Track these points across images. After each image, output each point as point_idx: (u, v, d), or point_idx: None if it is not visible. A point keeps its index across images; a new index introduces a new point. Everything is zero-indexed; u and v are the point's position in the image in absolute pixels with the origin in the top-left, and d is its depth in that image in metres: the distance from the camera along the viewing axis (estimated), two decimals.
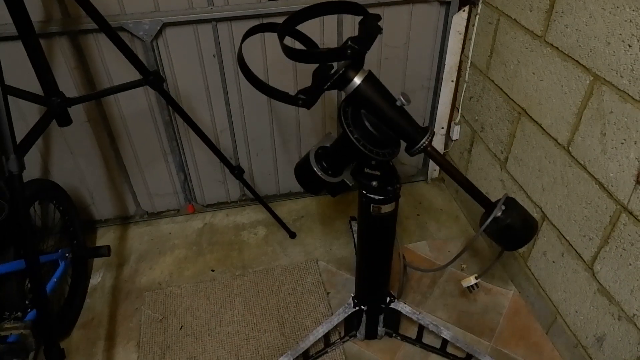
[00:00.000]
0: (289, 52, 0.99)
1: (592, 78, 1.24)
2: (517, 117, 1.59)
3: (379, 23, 1.03)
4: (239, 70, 1.07)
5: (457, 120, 2.03)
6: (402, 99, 1.05)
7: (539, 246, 1.59)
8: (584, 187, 1.34)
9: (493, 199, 1.16)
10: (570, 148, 1.37)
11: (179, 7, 1.57)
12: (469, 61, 1.85)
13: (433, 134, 1.09)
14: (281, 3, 1.60)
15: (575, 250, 1.41)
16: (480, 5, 1.70)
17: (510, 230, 1.14)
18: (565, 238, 1.45)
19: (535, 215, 1.57)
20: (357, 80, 1.03)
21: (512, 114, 1.61)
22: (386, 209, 1.22)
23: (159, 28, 1.57)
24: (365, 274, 1.44)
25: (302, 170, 1.28)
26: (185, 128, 1.86)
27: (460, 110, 2.00)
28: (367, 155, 1.09)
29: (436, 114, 2.07)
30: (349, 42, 0.95)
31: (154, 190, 2.04)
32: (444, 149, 2.20)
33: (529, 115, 1.53)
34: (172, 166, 1.97)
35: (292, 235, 2.01)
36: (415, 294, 1.77)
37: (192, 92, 1.78)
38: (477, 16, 1.73)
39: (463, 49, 1.88)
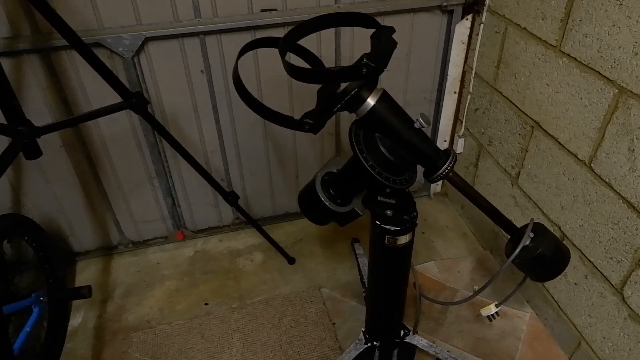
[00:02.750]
0: (294, 71, 0.87)
1: (617, 91, 1.14)
2: (530, 131, 1.49)
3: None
4: (236, 91, 0.94)
5: (460, 133, 1.93)
6: (421, 120, 0.94)
7: None
8: (610, 206, 1.24)
9: None
10: (592, 165, 1.27)
11: (163, 20, 1.44)
12: (473, 72, 1.75)
13: (455, 158, 0.98)
14: (275, 14, 1.49)
15: (601, 272, 1.31)
16: (485, 14, 1.61)
17: (541, 260, 1.04)
18: (588, 259, 1.35)
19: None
20: (372, 101, 0.91)
21: (524, 127, 1.52)
22: (402, 240, 1.10)
23: (140, 43, 1.43)
24: (377, 308, 1.31)
25: (307, 199, 1.15)
26: (173, 149, 1.72)
27: (464, 122, 1.90)
28: (383, 183, 0.97)
29: (439, 127, 1.97)
30: (365, 60, 0.84)
31: (140, 217, 1.89)
32: None
33: (543, 129, 1.43)
34: (158, 191, 1.83)
35: (291, 260, 1.88)
36: (427, 321, 1.65)
37: (179, 111, 1.65)
38: (482, 25, 1.64)
39: (466, 59, 1.78)
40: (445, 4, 1.59)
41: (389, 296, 1.26)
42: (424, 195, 2.21)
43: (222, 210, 1.98)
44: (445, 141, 2.02)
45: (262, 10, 1.49)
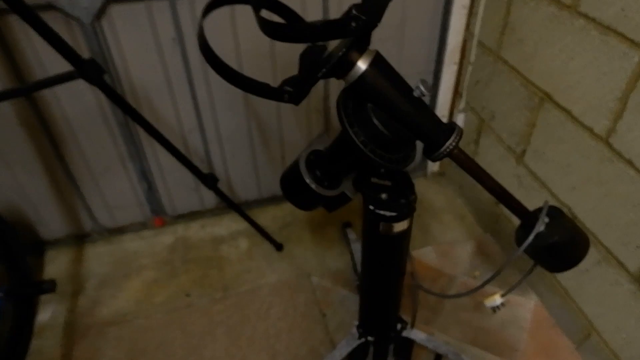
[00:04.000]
0: (269, 27, 0.72)
1: None
2: (539, 104, 1.35)
3: None
4: (203, 56, 0.79)
5: (460, 108, 1.78)
6: (421, 87, 0.79)
7: None
8: (629, 186, 1.11)
9: None
10: (610, 140, 1.14)
11: None
12: (475, 39, 1.60)
13: (461, 133, 0.84)
14: None
15: (617, 258, 1.19)
16: None
17: (557, 249, 0.91)
18: (602, 244, 1.23)
19: None
20: (362, 65, 0.77)
21: (532, 99, 1.38)
22: (399, 227, 0.96)
23: (100, 5, 1.26)
24: (372, 301, 1.19)
25: (290, 182, 1.01)
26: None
27: (464, 96, 1.75)
28: (377, 162, 0.83)
29: (437, 102, 1.82)
30: (354, 12, 0.68)
31: (113, 202, 1.74)
32: None
33: (554, 101, 1.29)
34: (132, 174, 1.68)
35: (279, 247, 1.75)
36: (423, 310, 1.53)
37: (150, 86, 1.49)
38: None
39: (468, 25, 1.63)
40: None
41: (385, 289, 1.13)
42: (419, 175, 2.08)
43: (204, 194, 1.83)
44: (443, 117, 1.88)
45: None
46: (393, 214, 0.94)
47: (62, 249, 1.77)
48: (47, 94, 1.40)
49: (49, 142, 1.51)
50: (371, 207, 0.94)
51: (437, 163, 2.07)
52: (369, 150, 0.82)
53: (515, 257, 0.94)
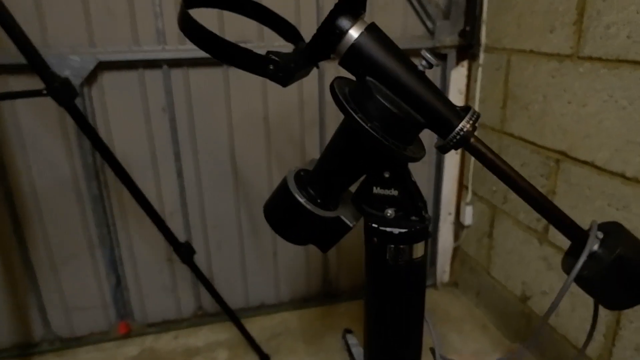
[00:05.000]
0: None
1: None
2: (555, 167, 1.23)
3: None
4: (180, 30, 0.70)
5: (468, 200, 1.65)
6: (427, 56, 0.69)
7: (625, 335, 1.09)
8: None
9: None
10: None
11: (121, 41, 1.28)
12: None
13: (478, 115, 0.71)
14: (251, 47, 1.33)
15: None
16: (482, 55, 1.48)
17: (621, 267, 0.69)
18: None
19: None
20: (354, 33, 0.68)
21: (547, 164, 1.26)
22: (412, 252, 0.75)
23: (92, 68, 1.25)
24: None
25: (277, 204, 0.83)
26: (122, 208, 1.42)
27: (469, 187, 1.64)
28: (390, 149, 0.68)
29: (441, 198, 1.70)
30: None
31: (73, 301, 1.48)
32: (454, 241, 1.77)
33: (572, 157, 1.17)
34: (100, 264, 1.46)
35: (265, 358, 1.42)
36: None
37: (132, 158, 1.39)
38: (480, 68, 1.50)
39: None
40: (437, 45, 1.47)
41: (394, 347, 0.84)
42: (428, 285, 1.83)
43: (182, 296, 1.58)
44: (450, 214, 1.73)
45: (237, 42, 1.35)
46: (403, 230, 0.74)
47: None
48: (18, 161, 1.30)
49: (9, 218, 1.34)
50: (375, 225, 0.75)
51: (447, 272, 1.83)
52: (371, 128, 0.67)
53: (565, 291, 0.71)
